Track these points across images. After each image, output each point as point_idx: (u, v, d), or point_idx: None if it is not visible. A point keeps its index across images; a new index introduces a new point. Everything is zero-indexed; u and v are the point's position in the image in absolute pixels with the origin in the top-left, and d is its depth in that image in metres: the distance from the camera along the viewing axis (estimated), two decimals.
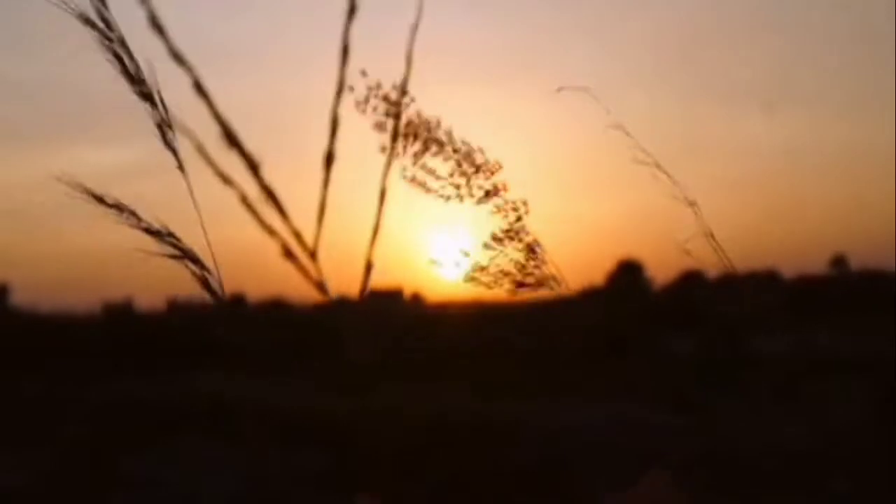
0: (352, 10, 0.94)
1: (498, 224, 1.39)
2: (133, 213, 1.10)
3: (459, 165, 1.34)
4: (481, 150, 1.35)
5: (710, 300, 13.91)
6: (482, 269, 1.41)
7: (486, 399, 8.27)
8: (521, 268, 1.40)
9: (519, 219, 1.40)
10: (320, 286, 1.02)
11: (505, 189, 1.37)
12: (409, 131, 1.29)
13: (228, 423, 7.21)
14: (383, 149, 1.24)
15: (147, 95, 1.09)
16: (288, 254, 0.97)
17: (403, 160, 1.30)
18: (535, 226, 1.42)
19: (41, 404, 8.12)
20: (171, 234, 1.11)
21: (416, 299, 17.97)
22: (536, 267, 1.41)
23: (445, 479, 5.66)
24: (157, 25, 0.83)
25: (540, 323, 12.89)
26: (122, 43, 1.09)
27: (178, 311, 14.61)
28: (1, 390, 8.39)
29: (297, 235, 0.96)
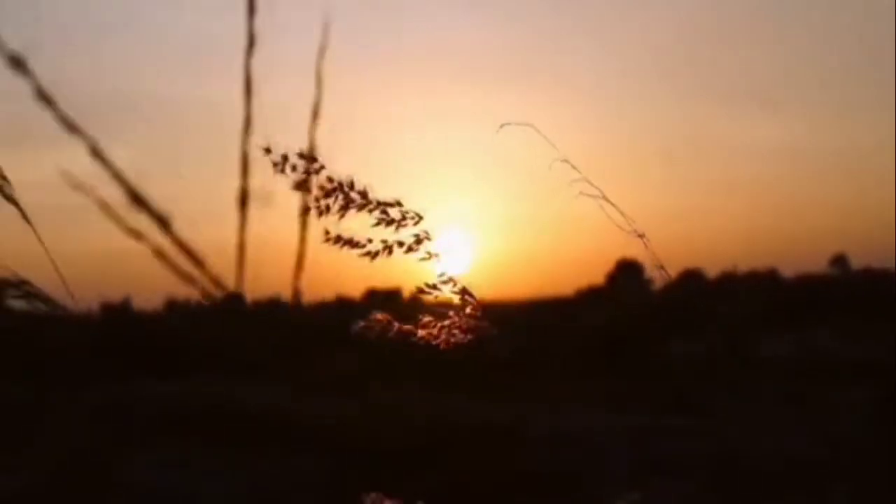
0: (251, 44, 0.91)
1: (428, 271, 1.42)
2: None
3: (382, 219, 1.37)
4: (399, 203, 1.38)
5: (709, 301, 13.89)
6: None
7: (488, 403, 8.23)
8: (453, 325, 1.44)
9: (447, 264, 1.41)
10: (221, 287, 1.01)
11: (429, 238, 1.40)
12: (327, 189, 1.32)
13: (226, 426, 7.18)
14: (306, 210, 1.30)
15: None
16: (207, 296, 0.97)
17: (325, 220, 1.32)
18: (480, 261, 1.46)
19: (38, 407, 8.08)
20: (24, 282, 1.09)
21: (415, 300, 17.94)
22: (473, 309, 1.43)
23: (447, 484, 5.63)
24: (44, 97, 0.81)
25: (540, 324, 12.86)
26: None
27: (177, 311, 14.57)
28: None
29: (216, 282, 0.94)
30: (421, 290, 1.42)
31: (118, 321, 11.81)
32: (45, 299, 1.11)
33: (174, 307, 14.64)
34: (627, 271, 18.50)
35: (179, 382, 8.79)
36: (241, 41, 0.92)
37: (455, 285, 1.43)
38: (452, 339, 1.44)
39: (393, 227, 1.38)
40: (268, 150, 1.27)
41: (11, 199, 1.08)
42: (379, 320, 1.44)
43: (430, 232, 1.41)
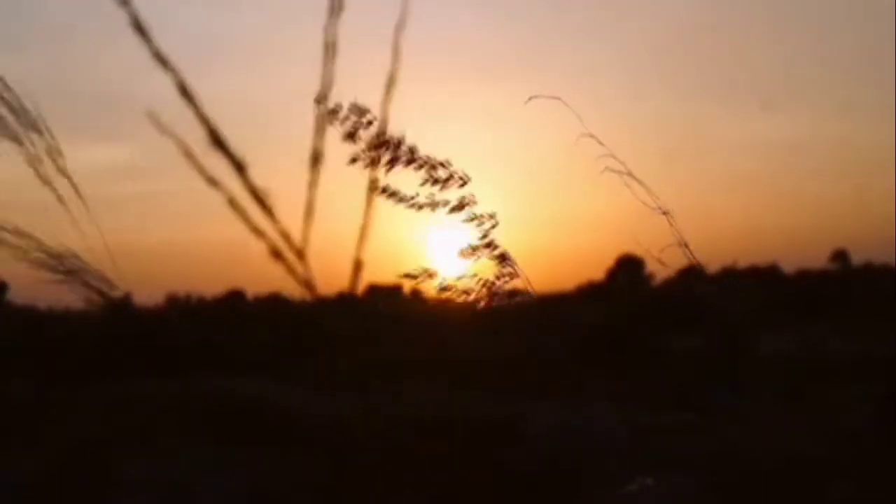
0: (336, 9, 0.91)
1: (471, 235, 1.44)
2: (33, 237, 1.10)
3: (430, 177, 1.38)
4: (446, 163, 1.38)
5: (710, 296, 13.87)
6: (449, 287, 1.45)
7: (488, 399, 8.23)
8: (491, 284, 1.46)
9: (492, 227, 1.44)
10: (308, 285, 1.03)
11: (473, 202, 1.41)
12: (376, 144, 1.33)
13: (227, 423, 7.18)
14: (353, 159, 1.30)
15: (32, 125, 1.07)
16: (276, 254, 0.97)
17: (375, 172, 1.34)
18: (511, 233, 1.45)
19: (39, 403, 8.09)
20: (73, 256, 1.08)
21: (416, 296, 17.95)
22: (510, 276, 1.44)
23: (446, 479, 5.63)
24: (139, 28, 0.80)
25: (540, 320, 12.86)
26: None
27: (177, 307, 14.57)
28: None
29: (285, 236, 0.94)
30: (462, 253, 1.42)
31: (119, 317, 11.80)
32: (98, 278, 1.10)
33: (174, 303, 14.65)
34: (627, 267, 18.49)
35: (180, 379, 8.80)
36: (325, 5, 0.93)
37: (495, 249, 1.43)
38: (495, 299, 1.43)
39: (438, 187, 1.39)
40: (318, 101, 1.26)
41: (65, 174, 1.07)
42: (425, 271, 1.42)
43: (475, 196, 1.41)
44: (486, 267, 1.45)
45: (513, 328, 12.54)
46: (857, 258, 19.63)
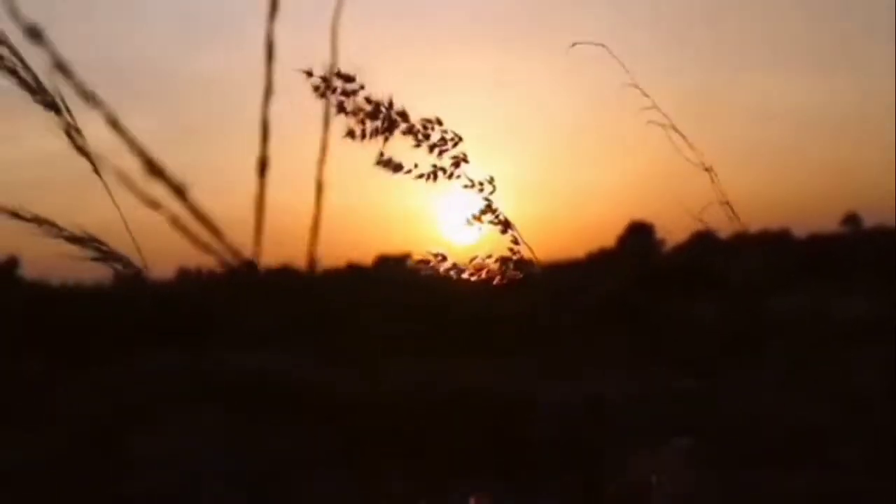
0: (273, 9, 0.90)
1: (471, 201, 1.41)
2: (53, 224, 1.10)
3: (423, 139, 1.35)
4: (439, 122, 1.35)
5: (722, 261, 13.83)
6: (461, 267, 1.44)
7: (499, 369, 8.23)
8: (504, 260, 1.46)
9: (490, 193, 1.41)
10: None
11: (465, 160, 1.38)
12: (366, 112, 1.31)
13: (240, 398, 7.19)
14: (350, 132, 1.30)
15: (51, 104, 1.06)
16: (224, 264, 0.95)
17: (374, 145, 1.32)
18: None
19: (50, 380, 8.11)
20: (93, 239, 1.08)
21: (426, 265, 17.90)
22: (514, 244, 1.43)
23: (462, 451, 5.63)
24: (61, 67, 0.80)
25: (550, 289, 12.82)
26: (15, 53, 1.07)
27: (189, 280, 14.59)
28: (9, 365, 8.37)
29: (234, 252, 0.94)
30: (468, 221, 1.40)
31: (130, 292, 11.81)
32: (119, 259, 1.10)
33: (186, 277, 14.66)
34: (638, 233, 18.43)
35: (192, 353, 8.81)
36: (263, 8, 0.91)
37: (497, 216, 1.41)
38: (504, 277, 1.44)
39: (434, 152, 1.36)
40: (309, 73, 1.25)
41: (83, 152, 1.07)
42: (435, 256, 1.42)
43: (467, 155, 1.38)
44: (492, 237, 1.43)
45: (522, 297, 12.52)
46: (869, 221, 19.52)
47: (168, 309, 10.51)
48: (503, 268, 1.45)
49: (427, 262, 1.41)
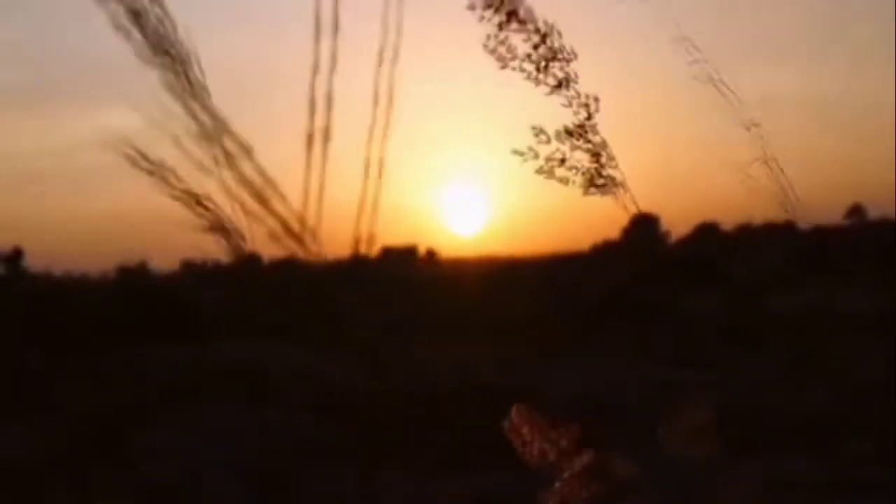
0: None
1: (569, 118, 1.34)
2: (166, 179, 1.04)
3: (537, 47, 1.30)
4: (560, 33, 1.31)
5: (726, 253, 13.79)
6: (560, 161, 1.35)
7: (503, 360, 8.22)
8: (594, 170, 1.37)
9: (589, 116, 1.34)
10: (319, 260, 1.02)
11: (576, 79, 1.32)
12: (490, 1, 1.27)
13: (243, 388, 7.19)
14: (472, 6, 1.25)
15: (178, 59, 1.03)
16: (287, 233, 0.97)
17: (487, 28, 1.28)
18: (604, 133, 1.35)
19: (54, 371, 8.11)
20: (202, 203, 1.03)
21: (431, 257, 17.92)
22: (608, 164, 1.34)
23: (460, 442, 5.62)
24: (122, 27, 0.79)
25: (556, 281, 12.81)
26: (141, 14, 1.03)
27: (193, 273, 14.59)
28: (12, 356, 8.37)
29: (284, 224, 0.92)
30: (568, 132, 1.33)
31: (135, 283, 11.84)
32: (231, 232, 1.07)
33: (190, 269, 14.66)
34: (643, 226, 18.39)
35: (195, 345, 8.81)
36: None
37: (588, 139, 1.34)
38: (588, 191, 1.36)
39: (549, 59, 1.31)
40: None
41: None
42: (530, 149, 1.34)
43: (577, 74, 1.33)
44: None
45: (526, 289, 12.50)
46: (873, 213, 19.46)
47: (172, 301, 10.51)
48: (591, 178, 1.37)
49: (521, 153, 1.33)
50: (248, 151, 0.88)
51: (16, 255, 13.62)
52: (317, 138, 0.94)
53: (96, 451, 5.96)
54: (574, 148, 1.35)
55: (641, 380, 7.22)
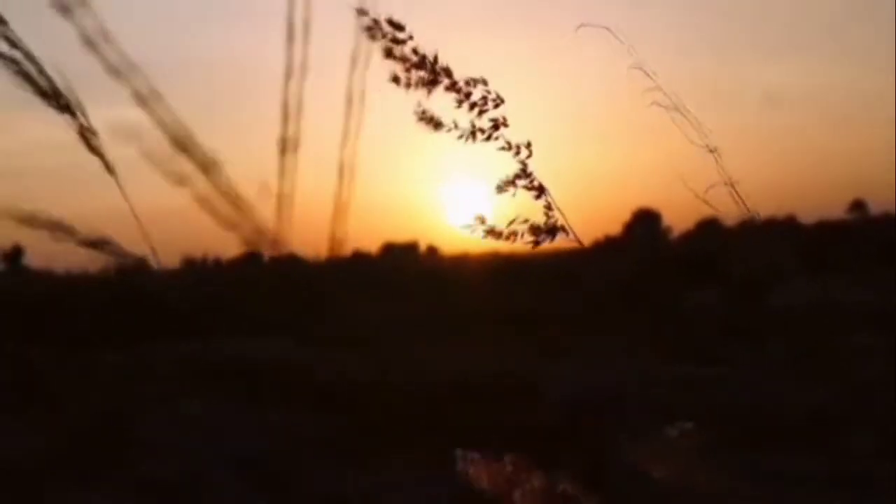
0: None
1: (506, 165, 1.38)
2: (68, 229, 1.08)
3: (464, 97, 1.34)
4: (484, 82, 1.35)
5: (728, 249, 13.78)
6: (497, 231, 1.40)
7: (504, 355, 8.21)
8: (536, 225, 1.41)
9: (527, 157, 1.39)
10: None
11: (505, 124, 1.36)
12: (413, 63, 1.32)
13: (245, 383, 7.18)
14: (395, 78, 1.30)
15: (65, 107, 1.06)
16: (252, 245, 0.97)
17: (415, 95, 1.32)
18: (549, 174, 1.40)
19: (58, 367, 8.11)
20: (107, 241, 1.06)
21: (432, 253, 17.91)
22: (548, 209, 1.40)
23: (466, 435, 5.61)
24: (89, 42, 0.79)
25: (557, 276, 12.79)
26: (31, 58, 1.06)
27: (193, 270, 14.58)
28: (9, 354, 8.36)
29: (258, 229, 0.92)
30: (499, 187, 1.38)
31: (136, 280, 11.81)
32: (128, 255, 1.09)
33: (191, 266, 14.65)
34: (644, 221, 18.37)
35: (198, 340, 8.80)
36: None
37: (532, 181, 1.39)
38: (535, 238, 1.41)
39: (475, 111, 1.36)
40: (361, 12, 1.27)
41: (98, 152, 1.06)
42: (478, 218, 1.40)
43: (507, 119, 1.37)
44: (523, 202, 1.42)
45: (527, 283, 12.49)
46: (875, 208, 19.46)
47: (172, 298, 10.50)
48: (534, 231, 1.42)
49: (469, 226, 1.40)
50: (213, 165, 0.88)
51: (15, 252, 13.62)
52: (289, 143, 0.94)
53: (96, 448, 5.95)
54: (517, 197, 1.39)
55: (642, 376, 7.21)
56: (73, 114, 1.09)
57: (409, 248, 17.41)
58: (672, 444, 5.56)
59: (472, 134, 1.36)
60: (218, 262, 14.82)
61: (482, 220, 1.39)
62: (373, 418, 6.10)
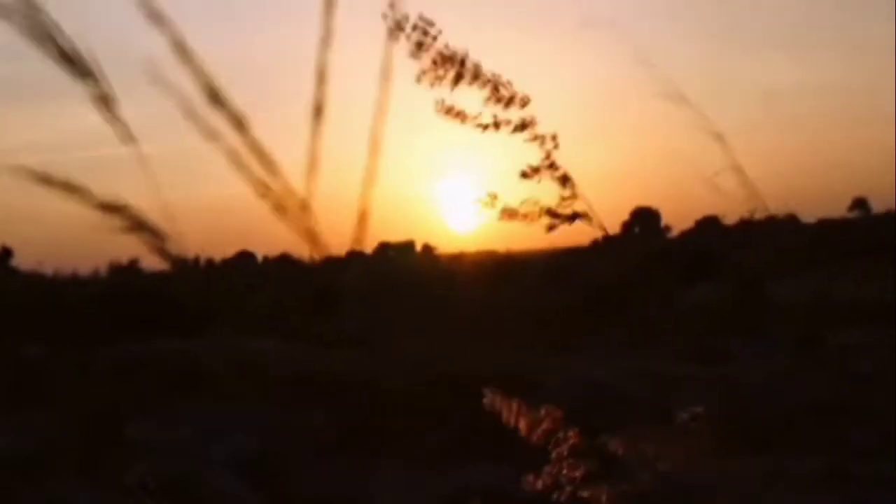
0: None
1: (532, 156, 1.44)
2: (85, 190, 1.04)
3: (493, 95, 1.39)
4: (510, 83, 1.40)
5: (727, 247, 13.75)
6: (512, 210, 1.44)
7: (504, 353, 8.13)
8: (556, 205, 1.45)
9: (551, 150, 1.43)
10: (313, 238, 1.02)
11: (534, 123, 1.42)
12: (442, 59, 1.36)
13: (236, 383, 7.12)
14: (421, 74, 1.33)
15: (86, 72, 1.01)
16: (280, 209, 0.96)
17: (439, 90, 1.37)
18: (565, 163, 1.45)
19: (53, 365, 8.05)
20: (125, 208, 1.03)
21: (428, 252, 17.82)
22: (571, 197, 1.43)
23: (462, 431, 5.53)
24: None
25: (556, 275, 12.75)
26: (51, 20, 1.01)
27: (186, 268, 14.51)
28: (4, 353, 8.30)
29: (288, 190, 0.94)
30: (524, 174, 1.42)
31: (127, 280, 11.76)
32: (145, 225, 1.06)
33: (183, 265, 14.59)
34: (643, 219, 18.31)
35: (190, 339, 8.74)
36: None
37: (557, 170, 1.42)
38: (556, 223, 1.45)
39: (500, 105, 1.40)
40: (391, 7, 1.26)
41: (118, 118, 1.03)
42: (491, 196, 1.43)
43: (535, 118, 1.41)
44: (545, 191, 1.47)
45: (527, 282, 12.45)
46: (877, 207, 19.43)
47: (165, 296, 10.42)
48: (552, 214, 1.47)
49: (481, 201, 1.45)
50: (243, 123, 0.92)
51: (5, 253, 13.52)
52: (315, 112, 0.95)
53: (95, 447, 5.89)
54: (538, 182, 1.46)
55: (643, 371, 7.13)
56: (94, 79, 1.05)
57: (405, 248, 17.34)
58: (672, 440, 5.45)
59: (496, 125, 1.40)
60: (210, 262, 14.74)
61: (494, 198, 1.42)
62: (371, 418, 6.05)
